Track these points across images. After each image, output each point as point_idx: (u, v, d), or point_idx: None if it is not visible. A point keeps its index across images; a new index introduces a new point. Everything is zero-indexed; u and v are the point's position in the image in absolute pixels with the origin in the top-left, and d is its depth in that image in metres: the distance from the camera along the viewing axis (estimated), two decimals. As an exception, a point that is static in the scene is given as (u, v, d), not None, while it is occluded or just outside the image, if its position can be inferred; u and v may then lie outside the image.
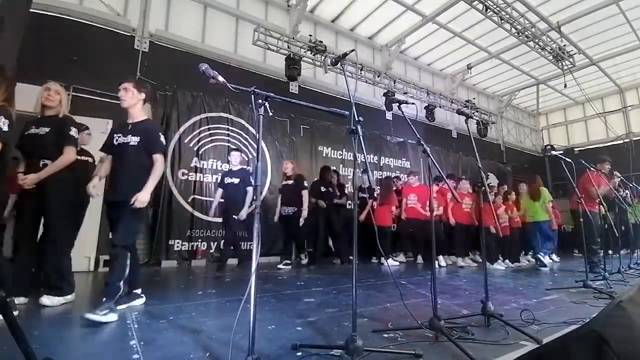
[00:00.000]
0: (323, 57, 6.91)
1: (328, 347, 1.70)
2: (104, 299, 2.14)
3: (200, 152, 5.55)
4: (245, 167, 4.96)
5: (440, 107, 9.11)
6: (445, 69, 9.83)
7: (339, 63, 2.01)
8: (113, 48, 5.11)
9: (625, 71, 9.97)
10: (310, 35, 6.84)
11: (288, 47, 6.59)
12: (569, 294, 3.11)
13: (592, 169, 4.20)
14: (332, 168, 6.00)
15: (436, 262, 4.97)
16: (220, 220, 5.10)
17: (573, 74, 8.77)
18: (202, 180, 5.50)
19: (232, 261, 5.37)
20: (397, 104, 2.18)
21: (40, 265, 2.65)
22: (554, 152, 4.07)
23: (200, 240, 5.30)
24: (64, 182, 2.54)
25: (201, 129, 5.62)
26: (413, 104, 2.28)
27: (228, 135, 5.89)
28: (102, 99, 4.84)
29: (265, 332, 1.92)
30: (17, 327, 1.22)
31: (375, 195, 5.64)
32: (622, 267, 4.23)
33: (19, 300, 2.35)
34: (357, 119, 1.70)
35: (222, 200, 4.57)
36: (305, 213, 4.93)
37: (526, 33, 7.24)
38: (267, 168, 6.12)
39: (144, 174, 2.39)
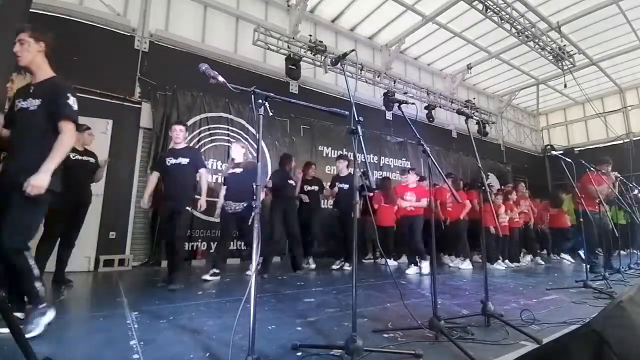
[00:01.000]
0: (323, 57, 6.91)
1: (328, 347, 1.70)
2: (31, 310, 1.85)
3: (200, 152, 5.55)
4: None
5: (440, 107, 9.11)
6: (445, 69, 9.83)
7: (339, 63, 2.01)
8: (113, 48, 5.11)
9: (625, 71, 9.97)
10: (310, 35, 6.85)
11: (288, 47, 6.59)
12: (569, 294, 3.11)
13: (592, 169, 4.20)
14: (310, 162, 5.61)
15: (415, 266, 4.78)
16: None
17: (573, 74, 8.77)
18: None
19: (233, 261, 5.39)
20: (397, 104, 2.19)
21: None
22: (554, 152, 4.07)
23: (200, 240, 5.30)
24: None
25: (201, 129, 5.62)
26: (413, 104, 2.28)
27: (228, 135, 5.89)
28: (102, 99, 4.85)
29: (265, 332, 1.92)
30: (17, 327, 1.22)
31: (372, 188, 5.11)
32: (622, 267, 4.24)
33: None
34: (357, 119, 1.70)
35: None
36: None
37: (526, 33, 7.23)
38: (267, 168, 6.12)
39: (46, 149, 1.80)
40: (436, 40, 8.40)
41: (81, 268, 4.19)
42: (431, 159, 2.05)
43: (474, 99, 10.26)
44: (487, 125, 10.13)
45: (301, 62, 6.61)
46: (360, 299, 2.73)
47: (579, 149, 11.52)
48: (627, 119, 11.07)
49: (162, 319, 2.19)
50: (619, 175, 4.99)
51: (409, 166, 8.10)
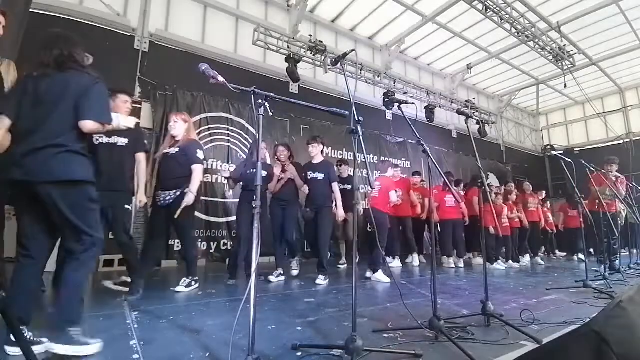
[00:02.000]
0: (323, 57, 6.90)
1: (328, 347, 1.70)
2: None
3: (200, 152, 5.55)
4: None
5: (440, 107, 9.10)
6: (445, 69, 9.83)
7: (339, 63, 2.02)
8: (113, 48, 5.10)
9: (625, 71, 9.97)
10: (310, 35, 6.84)
11: (288, 47, 6.58)
12: (569, 294, 3.11)
13: (592, 169, 4.20)
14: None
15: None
16: (222, 220, 5.01)
17: (573, 74, 8.77)
18: (202, 180, 5.46)
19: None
20: (397, 104, 2.19)
21: None
22: (554, 152, 4.08)
23: (200, 240, 5.29)
24: None
25: (201, 129, 5.61)
26: (413, 104, 2.28)
27: (228, 135, 5.89)
28: (102, 99, 4.84)
29: (265, 332, 1.92)
30: (17, 327, 1.22)
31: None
32: (622, 267, 4.24)
33: None
34: (357, 119, 1.70)
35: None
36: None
37: (526, 33, 7.23)
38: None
39: None
40: (436, 40, 8.41)
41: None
42: (431, 159, 2.05)
43: (474, 99, 10.25)
44: (487, 125, 10.13)
45: (301, 62, 6.61)
46: (360, 299, 2.73)
47: (579, 149, 11.51)
48: (627, 119, 11.08)
49: (162, 319, 2.19)
50: (620, 176, 4.99)
51: (409, 166, 8.14)
